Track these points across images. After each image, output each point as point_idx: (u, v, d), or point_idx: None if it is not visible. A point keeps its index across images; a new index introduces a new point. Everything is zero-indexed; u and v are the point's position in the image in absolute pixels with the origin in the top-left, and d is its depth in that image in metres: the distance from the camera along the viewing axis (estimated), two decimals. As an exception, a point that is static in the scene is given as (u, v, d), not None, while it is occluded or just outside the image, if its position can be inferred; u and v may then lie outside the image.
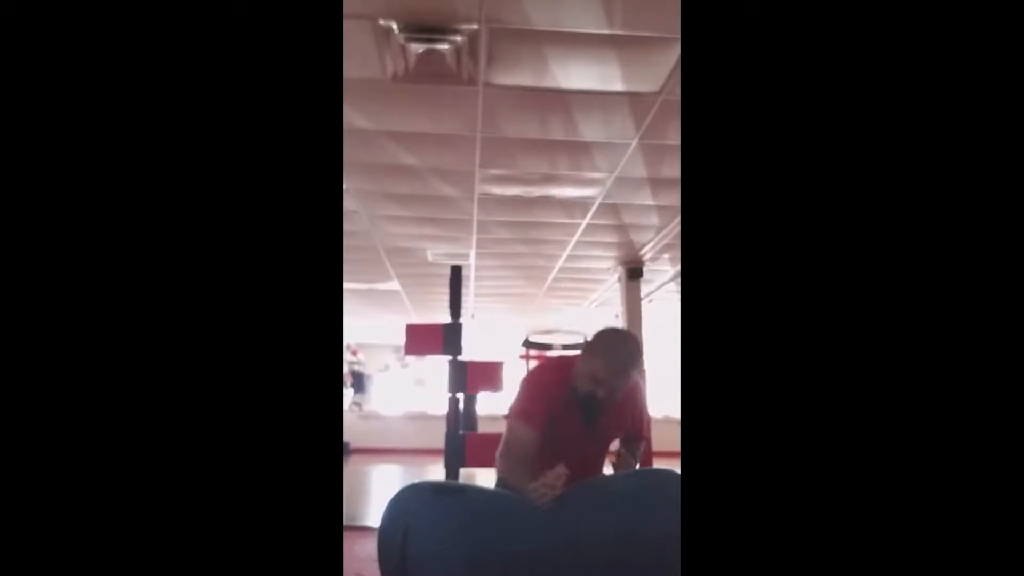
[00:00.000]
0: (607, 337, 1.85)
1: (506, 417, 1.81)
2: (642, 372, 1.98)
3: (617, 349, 1.77)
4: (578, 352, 1.85)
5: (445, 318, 4.85)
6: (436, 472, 6.90)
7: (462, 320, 4.87)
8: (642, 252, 6.24)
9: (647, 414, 2.02)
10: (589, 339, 1.85)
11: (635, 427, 1.94)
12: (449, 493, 1.45)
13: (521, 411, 1.77)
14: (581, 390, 1.76)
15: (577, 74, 3.06)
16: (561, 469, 1.48)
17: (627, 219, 5.27)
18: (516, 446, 1.73)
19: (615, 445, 1.98)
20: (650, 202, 4.83)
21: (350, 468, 8.54)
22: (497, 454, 1.81)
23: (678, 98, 3.25)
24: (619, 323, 6.71)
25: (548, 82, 3.11)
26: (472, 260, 6.52)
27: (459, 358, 4.65)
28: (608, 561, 1.29)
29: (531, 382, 1.92)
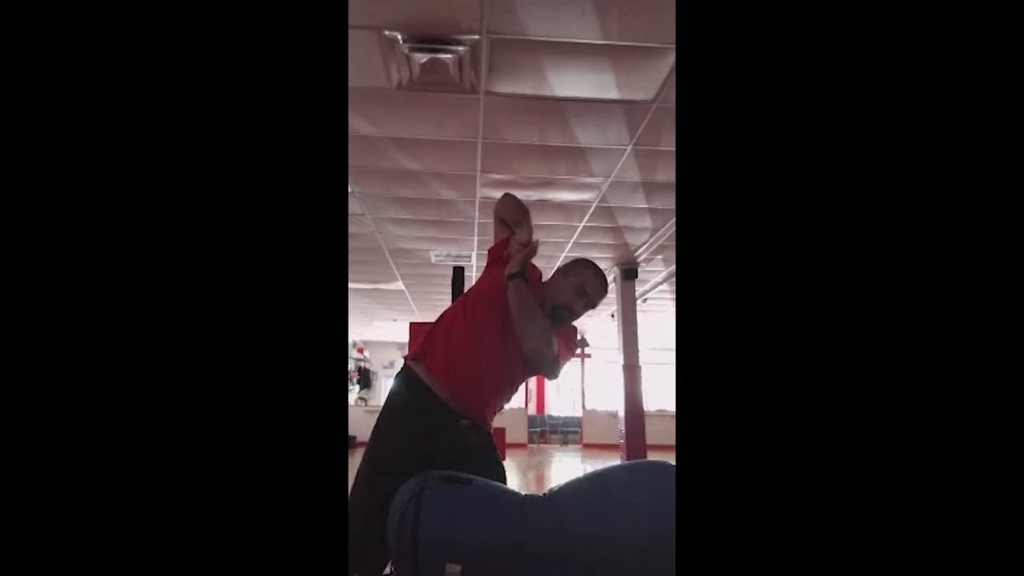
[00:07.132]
0: (588, 262, 1.86)
1: (508, 278, 1.70)
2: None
3: (600, 271, 1.82)
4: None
5: (447, 317, 4.91)
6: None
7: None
8: (636, 253, 6.32)
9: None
10: (566, 265, 1.86)
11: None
12: (458, 482, 1.44)
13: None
14: (560, 301, 1.76)
15: (574, 83, 3.16)
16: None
17: (622, 222, 5.36)
18: (536, 309, 1.66)
19: None
20: (644, 205, 4.93)
21: (357, 460, 8.57)
22: (523, 316, 1.66)
23: (671, 106, 3.35)
24: (615, 322, 6.77)
25: (546, 90, 3.22)
26: (473, 261, 6.61)
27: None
28: (607, 550, 1.32)
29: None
